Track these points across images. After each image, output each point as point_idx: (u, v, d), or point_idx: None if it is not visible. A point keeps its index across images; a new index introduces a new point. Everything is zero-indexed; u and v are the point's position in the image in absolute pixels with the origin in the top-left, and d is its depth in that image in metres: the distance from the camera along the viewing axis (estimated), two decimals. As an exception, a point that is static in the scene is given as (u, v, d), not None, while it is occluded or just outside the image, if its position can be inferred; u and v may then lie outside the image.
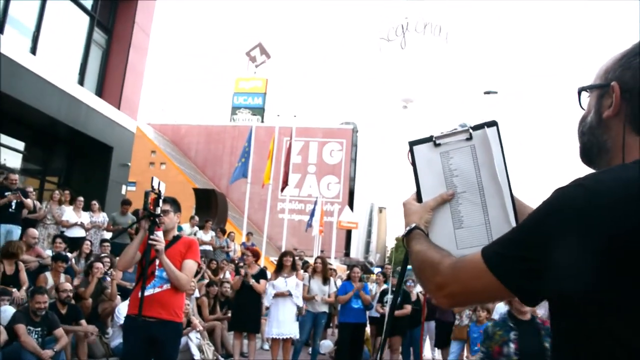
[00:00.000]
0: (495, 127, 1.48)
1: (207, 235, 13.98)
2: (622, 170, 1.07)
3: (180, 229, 13.64)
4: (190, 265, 4.08)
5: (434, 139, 1.57)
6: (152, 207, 3.78)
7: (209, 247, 13.77)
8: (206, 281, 10.78)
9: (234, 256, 14.62)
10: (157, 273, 3.95)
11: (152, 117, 47.64)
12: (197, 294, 9.95)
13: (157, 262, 3.93)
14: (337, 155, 43.35)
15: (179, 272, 3.96)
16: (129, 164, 16.89)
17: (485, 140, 1.47)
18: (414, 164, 1.59)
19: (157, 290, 3.91)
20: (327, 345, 10.59)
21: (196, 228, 14.14)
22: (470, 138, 1.50)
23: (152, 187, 3.81)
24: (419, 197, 1.57)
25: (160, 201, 3.85)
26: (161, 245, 3.85)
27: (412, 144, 1.60)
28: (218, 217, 18.09)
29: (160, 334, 3.88)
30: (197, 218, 14.49)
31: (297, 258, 13.98)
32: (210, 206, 18.59)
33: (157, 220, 3.83)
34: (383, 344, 1.92)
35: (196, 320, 8.96)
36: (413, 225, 1.51)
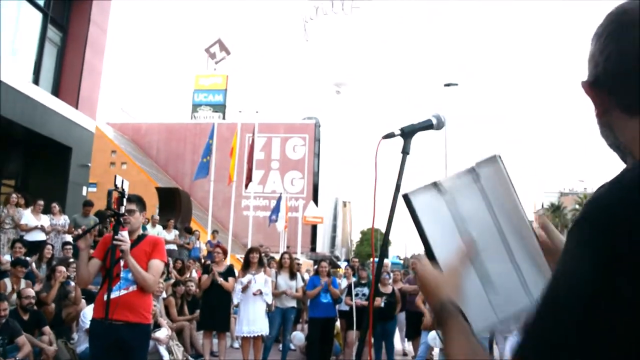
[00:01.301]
0: (500, 162, 1.35)
1: (171, 235, 13.79)
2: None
3: (144, 228, 13.44)
4: (157, 264, 3.97)
5: (438, 185, 1.37)
6: (116, 207, 3.66)
7: (174, 247, 13.58)
8: (172, 281, 10.61)
9: (200, 254, 14.47)
10: (122, 275, 3.83)
11: (112, 117, 46.83)
12: (164, 294, 9.79)
13: (122, 263, 3.82)
14: (300, 151, 43.31)
15: (145, 273, 3.85)
16: (89, 164, 16.53)
17: (494, 177, 1.34)
18: (415, 217, 1.34)
19: (123, 292, 3.80)
20: (299, 337, 10.55)
21: (159, 227, 13.94)
22: (478, 178, 1.36)
23: (116, 185, 3.69)
24: (430, 256, 1.32)
25: (124, 200, 3.73)
26: (126, 246, 3.74)
27: (409, 195, 1.36)
28: (182, 215, 17.89)
29: (128, 337, 3.77)
30: (157, 217, 14.27)
31: (263, 255, 13.94)
32: (174, 205, 18.35)
33: (121, 219, 3.72)
34: (362, 339, 1.87)
35: (164, 321, 8.81)
36: (446, 301, 1.17)
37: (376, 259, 1.98)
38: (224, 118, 44.42)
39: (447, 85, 22.93)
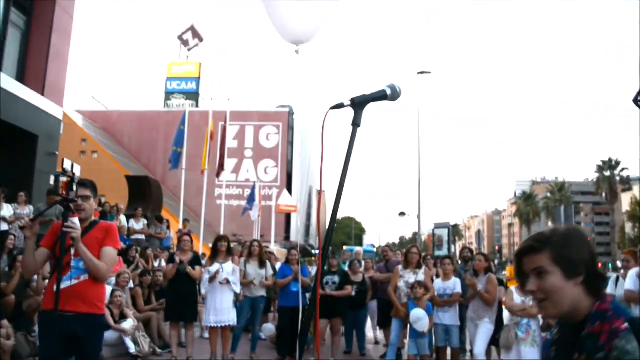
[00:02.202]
0: None
1: (139, 224, 13.56)
2: None
3: (112, 217, 13.18)
4: (110, 252, 3.79)
5: None
6: (64, 192, 3.48)
7: (142, 236, 13.36)
8: (140, 271, 10.42)
9: (171, 244, 14.26)
10: (73, 263, 3.64)
11: (82, 104, 45.98)
12: (131, 284, 9.59)
13: (73, 251, 3.63)
14: (274, 139, 43.07)
15: (97, 261, 3.67)
16: (57, 152, 16.14)
17: None
18: None
19: (74, 282, 3.61)
20: (269, 328, 10.45)
21: (123, 217, 13.68)
22: None
23: (64, 169, 3.50)
24: None
25: (74, 185, 3.54)
26: (77, 233, 3.55)
27: None
28: (153, 204, 17.62)
29: (80, 329, 3.59)
30: (122, 207, 14.02)
31: (236, 243, 13.79)
32: (144, 194, 18.05)
33: (70, 205, 3.53)
34: (302, 329, 1.83)
35: (130, 312, 8.64)
36: None
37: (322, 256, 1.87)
38: (197, 106, 43.93)
39: (421, 73, 22.92)
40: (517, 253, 1.99)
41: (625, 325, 1.75)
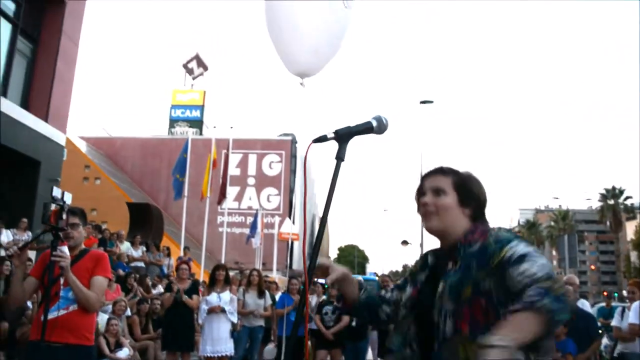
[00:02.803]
0: None
1: (138, 251, 13.49)
2: None
3: (112, 244, 13.12)
4: (100, 281, 3.70)
5: None
6: (53, 220, 3.41)
7: (141, 264, 13.27)
8: (137, 299, 10.30)
9: (168, 271, 14.16)
10: (62, 293, 3.54)
11: (86, 131, 46.23)
12: (128, 312, 9.48)
13: (62, 280, 3.55)
14: (277, 167, 43.13)
15: (87, 291, 3.58)
16: (59, 179, 16.13)
17: None
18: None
19: (63, 312, 3.52)
20: (270, 351, 10.25)
21: (127, 244, 13.64)
22: None
23: (53, 197, 3.44)
24: None
25: (64, 214, 3.47)
26: (66, 262, 3.48)
27: None
28: (153, 232, 17.57)
29: None
30: (123, 233, 13.97)
31: (237, 271, 13.68)
32: (145, 221, 18.04)
33: (60, 234, 3.46)
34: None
35: (126, 340, 8.51)
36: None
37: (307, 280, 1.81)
38: (201, 134, 44.11)
39: (423, 102, 22.96)
40: (425, 174, 2.17)
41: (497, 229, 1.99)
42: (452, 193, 2.06)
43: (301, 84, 8.35)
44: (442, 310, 1.89)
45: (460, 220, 2.06)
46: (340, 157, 1.93)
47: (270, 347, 10.36)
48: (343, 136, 1.94)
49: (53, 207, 3.40)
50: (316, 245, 1.87)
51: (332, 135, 1.93)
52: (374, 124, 1.99)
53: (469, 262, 1.91)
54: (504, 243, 1.84)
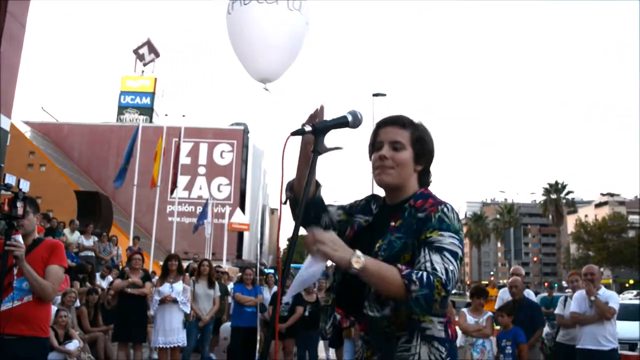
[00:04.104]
0: None
1: (89, 241, 13.22)
2: None
3: (60, 234, 12.80)
4: (56, 270, 3.61)
5: None
6: (7, 209, 3.31)
7: (91, 253, 13.01)
8: (87, 289, 10.09)
9: (117, 261, 13.92)
10: (15, 284, 3.44)
11: (31, 115, 44.75)
12: (77, 303, 9.27)
13: (16, 271, 3.45)
14: (228, 157, 42.78)
15: (42, 280, 3.48)
16: (2, 165, 15.61)
17: None
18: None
19: (17, 303, 3.41)
20: (226, 328, 10.13)
21: (77, 233, 13.35)
22: None
23: (5, 185, 3.32)
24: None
25: (19, 202, 3.37)
26: (21, 251, 3.38)
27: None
28: (102, 221, 17.22)
29: (23, 353, 3.37)
30: (77, 222, 13.66)
31: (192, 261, 13.55)
32: (93, 210, 17.65)
33: (14, 223, 3.35)
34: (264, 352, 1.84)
35: (75, 332, 8.34)
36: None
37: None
38: (151, 121, 43.33)
39: (376, 95, 23.17)
40: (382, 122, 2.16)
41: (450, 204, 2.01)
42: (409, 148, 2.07)
43: (265, 89, 8.69)
44: None
45: (412, 177, 2.10)
46: (317, 150, 1.97)
47: (227, 324, 10.23)
48: (320, 130, 1.98)
49: (7, 194, 3.30)
50: (292, 240, 1.93)
51: (310, 128, 1.97)
52: (349, 118, 2.03)
53: (410, 226, 1.96)
54: (443, 228, 1.91)
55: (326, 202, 2.28)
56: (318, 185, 2.24)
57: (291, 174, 2.21)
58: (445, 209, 1.96)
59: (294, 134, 1.95)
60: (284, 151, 1.93)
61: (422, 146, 2.09)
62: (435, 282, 1.77)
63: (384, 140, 2.08)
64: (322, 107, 2.09)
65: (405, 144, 2.06)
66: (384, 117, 2.17)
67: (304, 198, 1.91)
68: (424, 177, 2.14)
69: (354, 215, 2.22)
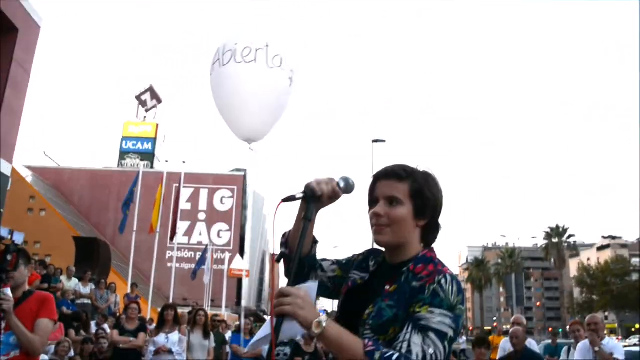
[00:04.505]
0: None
1: (87, 288, 13.09)
2: None
3: (57, 280, 12.69)
4: (45, 324, 3.53)
5: None
6: None
7: (88, 301, 12.87)
8: (81, 338, 9.94)
9: (115, 309, 13.76)
10: (2, 339, 3.35)
11: (32, 160, 44.97)
12: (71, 353, 9.12)
13: (4, 325, 3.39)
14: (228, 202, 42.78)
15: (30, 335, 3.39)
16: (2, 210, 15.62)
17: None
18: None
19: (3, 359, 3.36)
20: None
21: (75, 280, 13.24)
22: None
23: (-1, 238, 3.31)
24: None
25: (9, 255, 3.32)
26: (9, 305, 3.32)
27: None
28: (100, 267, 17.10)
29: None
30: (73, 269, 13.56)
31: (191, 308, 13.38)
32: (91, 256, 17.56)
33: (3, 276, 3.30)
34: None
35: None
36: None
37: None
38: (152, 167, 43.49)
39: (375, 141, 23.34)
40: (378, 175, 1.98)
41: (452, 272, 1.83)
42: (408, 202, 1.90)
43: (250, 148, 8.74)
44: (362, 334, 1.80)
45: (413, 235, 1.93)
46: (307, 218, 1.91)
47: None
48: (311, 197, 1.93)
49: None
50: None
51: (301, 195, 1.93)
52: (342, 184, 1.98)
53: (403, 294, 1.81)
54: (434, 304, 1.74)
55: (321, 258, 2.19)
56: (315, 242, 2.15)
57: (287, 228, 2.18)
58: (442, 281, 1.78)
59: (285, 200, 1.91)
60: (274, 218, 1.91)
61: (423, 199, 1.91)
62: None
63: (379, 196, 1.93)
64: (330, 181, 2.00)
65: (402, 198, 1.89)
66: (381, 168, 2.01)
67: (295, 261, 1.84)
68: (429, 233, 1.97)
69: (350, 271, 2.09)
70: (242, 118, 8.53)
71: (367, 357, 1.63)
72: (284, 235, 2.16)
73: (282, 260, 2.12)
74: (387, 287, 1.86)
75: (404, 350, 1.67)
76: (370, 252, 2.11)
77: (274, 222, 1.91)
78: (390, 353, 1.65)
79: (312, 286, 1.84)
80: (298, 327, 1.70)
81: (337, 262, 2.19)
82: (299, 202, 1.98)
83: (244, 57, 8.09)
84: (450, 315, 1.74)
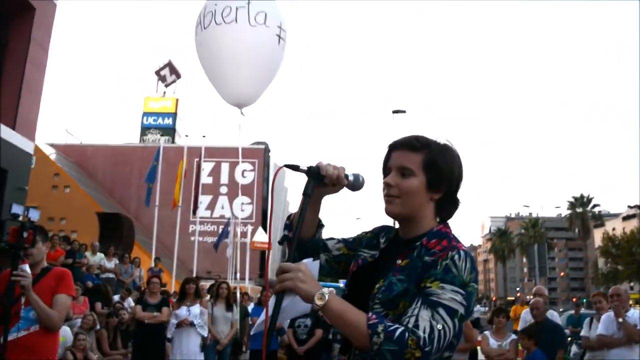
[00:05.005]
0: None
1: (111, 263, 13.29)
2: None
3: (82, 256, 12.89)
4: (63, 300, 3.59)
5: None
6: (13, 239, 3.29)
7: (112, 275, 13.08)
8: (107, 311, 10.11)
9: (139, 283, 13.97)
10: (22, 314, 3.42)
11: (55, 138, 45.44)
12: (97, 326, 9.29)
13: (23, 300, 3.44)
14: (250, 176, 42.90)
15: (49, 310, 3.46)
16: (26, 187, 15.83)
17: None
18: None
19: (23, 333, 3.39)
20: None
21: (99, 254, 13.44)
22: None
23: (13, 214, 3.32)
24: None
25: (25, 232, 3.35)
26: (27, 281, 3.36)
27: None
28: (123, 242, 17.34)
29: None
30: (97, 244, 13.75)
31: (214, 282, 13.52)
32: (115, 231, 17.82)
33: (20, 253, 3.34)
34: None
35: (94, 356, 8.34)
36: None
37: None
38: (173, 142, 43.70)
39: (395, 112, 23.10)
40: (393, 145, 1.93)
41: (466, 249, 1.76)
42: (420, 174, 1.84)
43: (242, 113, 8.38)
44: (372, 308, 1.75)
45: (426, 208, 1.87)
46: (306, 193, 1.86)
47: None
48: (314, 174, 1.87)
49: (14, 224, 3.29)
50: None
51: (305, 168, 1.88)
52: (350, 179, 1.93)
53: (415, 269, 1.75)
54: (446, 280, 1.68)
55: (326, 237, 2.13)
56: (320, 225, 2.10)
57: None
58: (456, 257, 1.71)
59: (288, 166, 1.87)
60: (274, 182, 1.87)
61: (437, 172, 1.83)
62: (409, 341, 1.56)
63: (392, 166, 1.88)
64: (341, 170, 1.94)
65: (414, 169, 1.83)
66: (397, 138, 1.95)
67: (295, 240, 1.79)
68: (445, 207, 1.91)
69: (359, 250, 2.03)
70: (228, 82, 8.04)
71: (370, 330, 1.59)
72: (288, 217, 2.10)
73: (285, 243, 2.06)
74: (399, 262, 1.81)
75: (410, 325, 1.61)
76: (382, 229, 2.05)
77: (272, 187, 1.88)
78: (395, 327, 1.60)
79: (311, 262, 1.79)
80: (304, 302, 1.67)
81: (343, 240, 2.13)
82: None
83: (224, 17, 7.57)
84: (462, 292, 1.68)
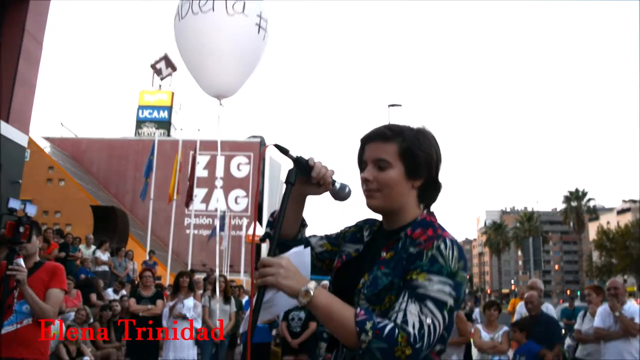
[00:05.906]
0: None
1: (105, 256, 13.27)
2: None
3: (75, 249, 12.87)
4: (56, 294, 3.62)
5: None
6: (9, 233, 3.30)
7: (106, 268, 13.06)
8: (101, 304, 10.10)
9: (133, 276, 13.97)
10: (15, 307, 3.45)
11: (50, 131, 45.28)
12: (90, 320, 9.28)
13: (17, 293, 3.45)
14: (245, 169, 42.85)
15: (43, 304, 3.48)
16: (20, 181, 15.78)
17: None
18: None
19: (17, 326, 3.42)
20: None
21: (93, 247, 13.43)
22: None
23: (9, 209, 3.33)
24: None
25: (21, 227, 3.35)
26: (22, 275, 3.37)
27: None
28: (117, 235, 17.32)
29: None
30: (91, 237, 13.72)
31: (207, 273, 13.54)
32: (109, 224, 17.78)
33: (16, 247, 3.34)
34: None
35: (88, 349, 8.34)
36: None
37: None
38: (168, 135, 43.60)
39: (391, 105, 23.08)
40: (365, 137, 1.87)
41: (452, 237, 1.71)
42: (398, 163, 1.78)
43: (221, 104, 8.28)
44: (357, 304, 1.69)
45: (408, 197, 1.82)
46: (289, 182, 1.82)
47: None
48: (301, 163, 1.83)
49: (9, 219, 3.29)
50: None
51: (293, 156, 1.83)
52: (337, 185, 1.88)
53: (400, 261, 1.70)
54: (433, 270, 1.62)
55: (309, 234, 2.07)
56: (303, 225, 2.05)
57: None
58: (442, 246, 1.65)
59: (277, 146, 1.83)
60: (260, 160, 1.85)
61: (414, 158, 1.78)
62: (399, 338, 1.50)
63: (367, 159, 1.82)
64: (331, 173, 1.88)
65: (390, 160, 1.77)
66: (371, 131, 1.87)
67: (277, 233, 1.73)
68: (427, 193, 1.85)
69: (342, 245, 1.97)
70: (207, 73, 7.89)
71: (358, 327, 1.53)
72: (272, 215, 2.03)
73: (266, 240, 1.95)
74: (383, 254, 1.76)
75: (399, 321, 1.55)
76: (365, 222, 2.00)
77: (259, 165, 1.83)
78: (384, 323, 1.54)
79: (300, 251, 1.73)
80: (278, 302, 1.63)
81: (326, 237, 2.07)
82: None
83: (201, 6, 7.40)
84: (450, 282, 1.62)
